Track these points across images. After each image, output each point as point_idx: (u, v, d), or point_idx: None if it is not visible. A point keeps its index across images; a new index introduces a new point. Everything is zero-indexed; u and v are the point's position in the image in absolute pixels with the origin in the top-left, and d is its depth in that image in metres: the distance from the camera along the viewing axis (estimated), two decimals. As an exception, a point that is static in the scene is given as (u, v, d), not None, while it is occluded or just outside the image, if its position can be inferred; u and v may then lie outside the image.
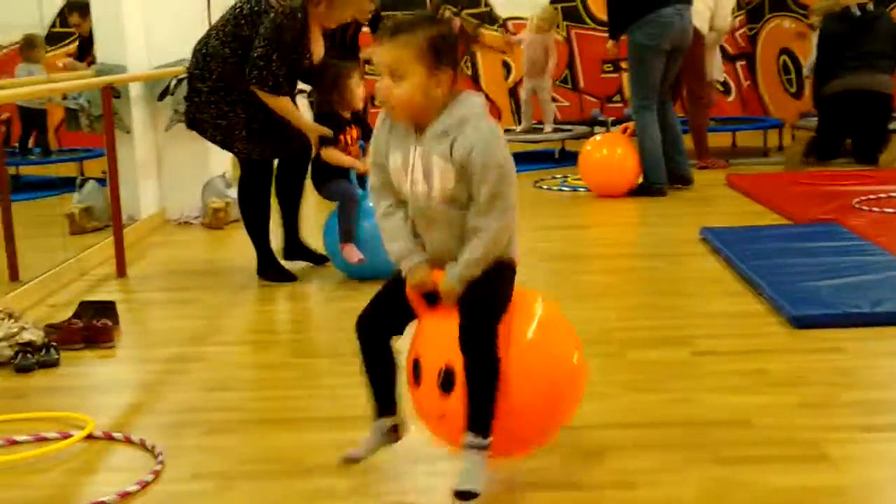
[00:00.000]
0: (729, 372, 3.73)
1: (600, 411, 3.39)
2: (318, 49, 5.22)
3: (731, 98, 11.07)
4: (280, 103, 5.09)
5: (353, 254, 5.10)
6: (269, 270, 5.38)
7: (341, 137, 5.23)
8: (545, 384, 2.76)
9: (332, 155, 5.20)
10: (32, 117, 9.16)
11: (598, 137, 7.94)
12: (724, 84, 10.08)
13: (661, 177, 7.42)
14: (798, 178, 7.67)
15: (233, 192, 7.25)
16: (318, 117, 5.39)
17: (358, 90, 5.25)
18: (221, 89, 5.18)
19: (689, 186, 7.61)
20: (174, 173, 7.37)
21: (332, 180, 5.25)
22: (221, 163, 7.71)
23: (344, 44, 6.16)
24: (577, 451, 3.08)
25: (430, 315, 2.76)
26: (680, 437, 3.17)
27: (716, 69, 9.27)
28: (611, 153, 7.56)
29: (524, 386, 2.69)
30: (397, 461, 3.00)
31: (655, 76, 7.33)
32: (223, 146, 5.37)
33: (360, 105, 5.32)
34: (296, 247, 5.65)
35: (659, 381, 3.66)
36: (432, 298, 2.74)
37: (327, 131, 5.19)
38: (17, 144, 9.23)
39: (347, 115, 5.28)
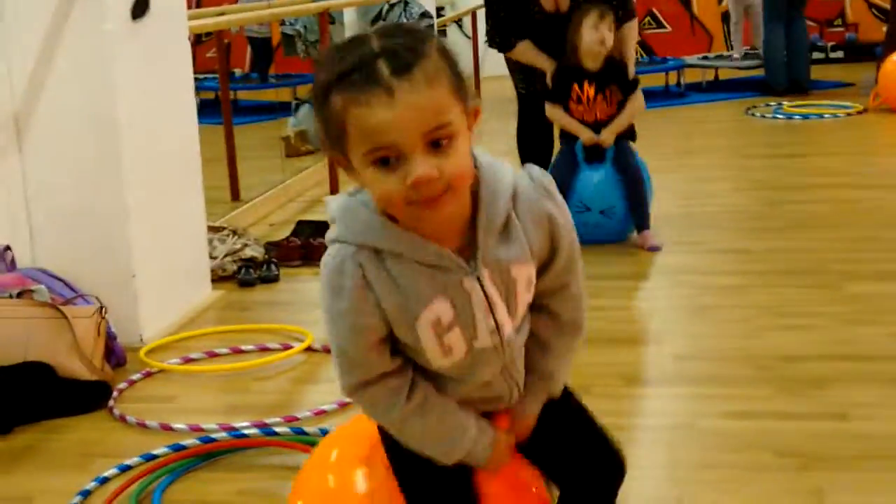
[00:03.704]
0: (955, 307, 3.57)
1: (816, 342, 3.31)
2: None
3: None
4: (514, 54, 4.69)
5: None
6: None
7: (574, 91, 4.44)
8: None
9: (555, 113, 4.49)
10: (258, 45, 9.51)
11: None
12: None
13: (779, 79, 8.47)
14: None
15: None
16: (558, 66, 4.53)
17: (591, 35, 4.33)
18: None
19: (806, 94, 8.34)
20: (385, 98, 7.49)
21: (552, 145, 4.60)
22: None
23: None
24: (792, 381, 3.03)
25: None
26: (900, 371, 3.07)
27: None
28: None
29: None
30: None
31: None
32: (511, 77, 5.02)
33: (590, 60, 4.40)
34: None
35: (878, 315, 3.53)
36: None
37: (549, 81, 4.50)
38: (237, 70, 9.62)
39: (592, 65, 4.40)
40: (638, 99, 4.51)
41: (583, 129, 4.43)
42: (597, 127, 4.45)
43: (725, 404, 2.90)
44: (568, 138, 4.50)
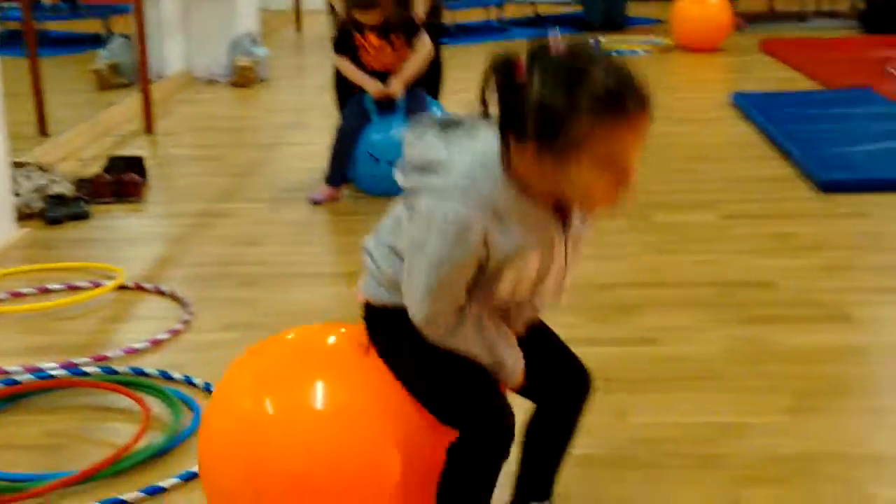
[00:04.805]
0: (756, 235, 3.73)
1: (627, 271, 3.42)
2: None
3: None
4: None
5: (323, 193, 4.30)
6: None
7: (356, 41, 4.22)
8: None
9: (342, 64, 4.30)
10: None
11: None
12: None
13: (595, 15, 8.90)
14: (833, 44, 7.54)
15: (260, 51, 7.21)
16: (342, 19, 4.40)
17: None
18: None
19: (621, 31, 8.78)
20: (200, 30, 7.30)
21: (347, 98, 4.38)
22: (249, 21, 7.63)
23: None
24: (603, 308, 3.12)
25: None
26: (705, 297, 3.19)
27: None
28: (703, 9, 7.68)
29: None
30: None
31: None
32: None
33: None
34: None
35: (686, 243, 3.66)
36: None
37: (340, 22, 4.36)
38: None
39: (367, 20, 4.18)
40: (424, 43, 4.26)
41: (369, 81, 4.22)
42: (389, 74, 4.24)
43: (539, 332, 2.96)
44: (360, 89, 4.28)
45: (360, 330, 1.85)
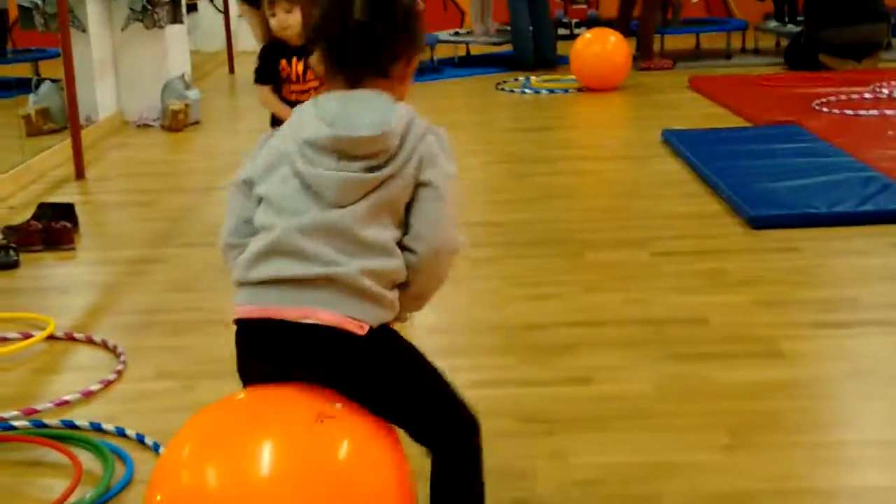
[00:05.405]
0: (687, 272, 3.77)
1: (560, 310, 3.44)
2: None
3: (695, 0, 10.98)
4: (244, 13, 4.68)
5: None
6: None
7: (283, 69, 3.98)
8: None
9: (264, 97, 4.03)
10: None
11: (587, 35, 7.98)
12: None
13: (526, 54, 8.74)
14: (759, 81, 7.69)
15: (192, 94, 7.17)
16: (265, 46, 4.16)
17: (272, 23, 3.93)
18: None
19: (553, 69, 8.63)
20: (132, 74, 7.25)
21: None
22: (180, 63, 7.60)
23: None
24: (537, 348, 3.13)
25: None
26: (637, 334, 3.21)
27: None
28: (602, 49, 7.78)
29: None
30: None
31: None
32: None
33: (288, 40, 3.94)
34: None
35: (618, 281, 3.70)
36: None
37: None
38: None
39: (295, 42, 3.92)
40: None
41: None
42: None
43: (473, 374, 2.95)
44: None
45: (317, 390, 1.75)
